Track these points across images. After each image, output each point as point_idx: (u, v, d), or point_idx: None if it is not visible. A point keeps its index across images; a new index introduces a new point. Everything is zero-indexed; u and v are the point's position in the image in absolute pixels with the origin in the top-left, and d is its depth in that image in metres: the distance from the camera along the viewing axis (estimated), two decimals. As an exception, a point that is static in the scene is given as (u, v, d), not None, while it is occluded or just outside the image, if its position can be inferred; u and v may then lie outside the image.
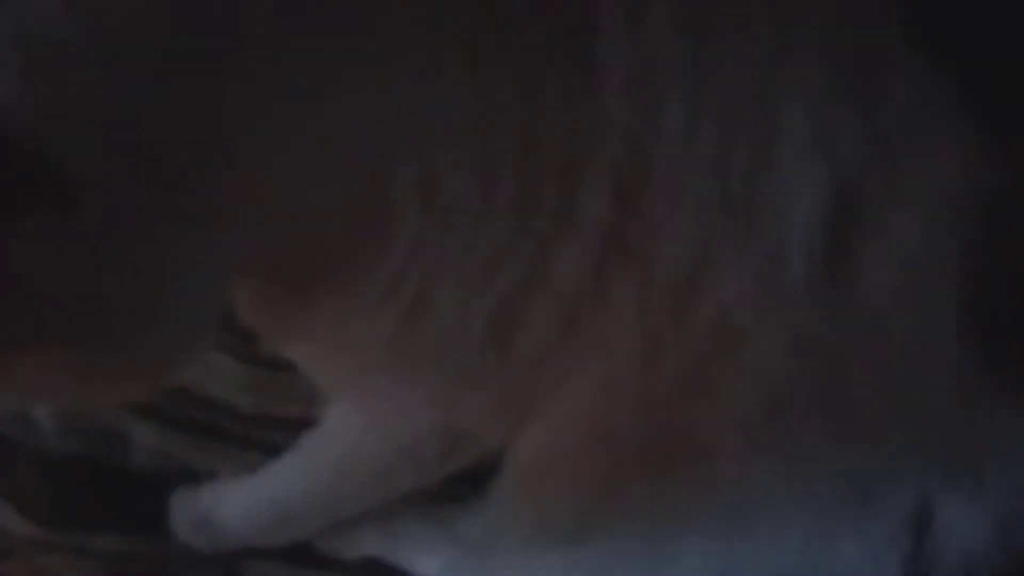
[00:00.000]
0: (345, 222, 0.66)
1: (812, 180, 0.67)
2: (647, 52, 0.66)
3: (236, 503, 0.89)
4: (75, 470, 0.92)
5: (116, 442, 0.94)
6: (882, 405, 0.68)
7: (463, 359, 0.71)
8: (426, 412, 0.78)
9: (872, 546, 0.69)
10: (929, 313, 0.68)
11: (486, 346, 0.70)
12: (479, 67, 0.65)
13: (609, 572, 0.75)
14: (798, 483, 0.69)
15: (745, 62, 0.68)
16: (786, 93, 0.68)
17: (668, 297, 0.68)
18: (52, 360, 0.58)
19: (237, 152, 0.60)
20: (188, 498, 0.90)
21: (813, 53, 0.68)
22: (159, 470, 0.94)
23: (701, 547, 0.71)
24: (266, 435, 0.94)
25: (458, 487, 0.86)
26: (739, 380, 0.68)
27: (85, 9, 0.55)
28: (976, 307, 0.68)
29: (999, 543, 0.69)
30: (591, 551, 0.73)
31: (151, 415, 0.95)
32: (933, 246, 0.68)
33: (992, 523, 0.69)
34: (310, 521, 0.89)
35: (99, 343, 0.59)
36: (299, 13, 0.61)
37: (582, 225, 0.67)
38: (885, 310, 0.68)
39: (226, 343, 0.93)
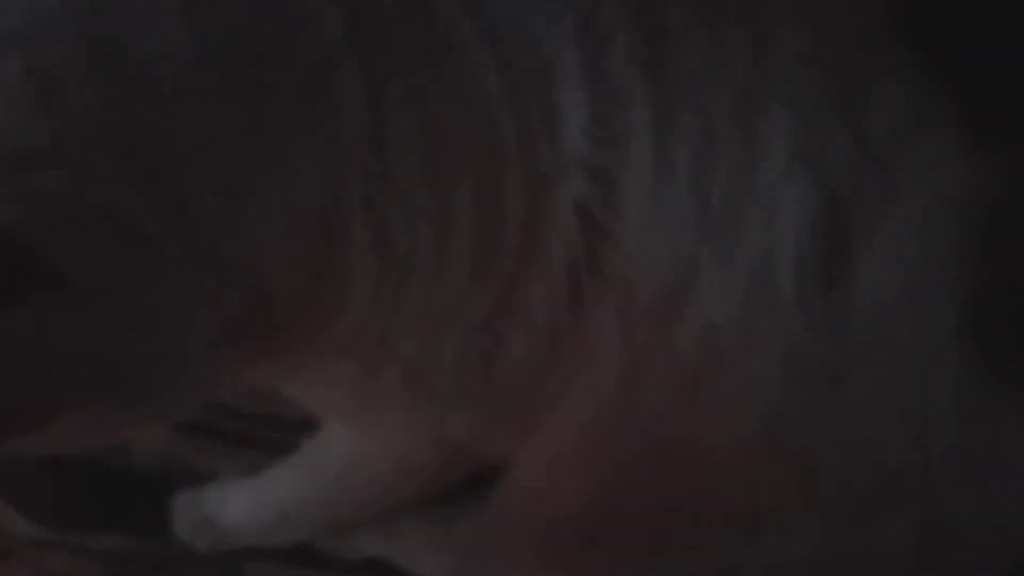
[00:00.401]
0: (305, 284, 0.67)
1: (798, 195, 0.67)
2: (607, 90, 0.67)
3: (238, 504, 0.89)
4: (75, 470, 0.92)
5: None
6: (883, 415, 0.68)
7: (436, 389, 0.72)
8: (414, 431, 0.79)
9: (877, 554, 0.69)
10: (928, 322, 0.68)
11: (462, 375, 0.71)
12: (431, 122, 0.66)
13: None
14: (802, 494, 0.69)
15: (720, 81, 0.68)
16: (766, 108, 0.68)
17: (651, 318, 0.69)
18: (84, 415, 0.61)
19: (203, 223, 0.62)
20: (191, 499, 0.90)
21: (794, 65, 0.68)
22: (160, 470, 0.94)
23: (706, 560, 0.71)
24: (267, 435, 0.94)
25: (460, 489, 0.86)
26: (734, 395, 0.69)
27: (52, 113, 0.58)
28: (975, 314, 0.68)
29: (1003, 548, 0.69)
30: (594, 563, 0.73)
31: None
32: (929, 255, 0.68)
33: (996, 529, 0.69)
34: (311, 524, 0.89)
35: (123, 396, 0.62)
36: (248, 85, 0.63)
37: (548, 260, 0.69)
38: (882, 321, 0.68)
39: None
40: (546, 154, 0.67)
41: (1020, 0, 0.74)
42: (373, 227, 0.66)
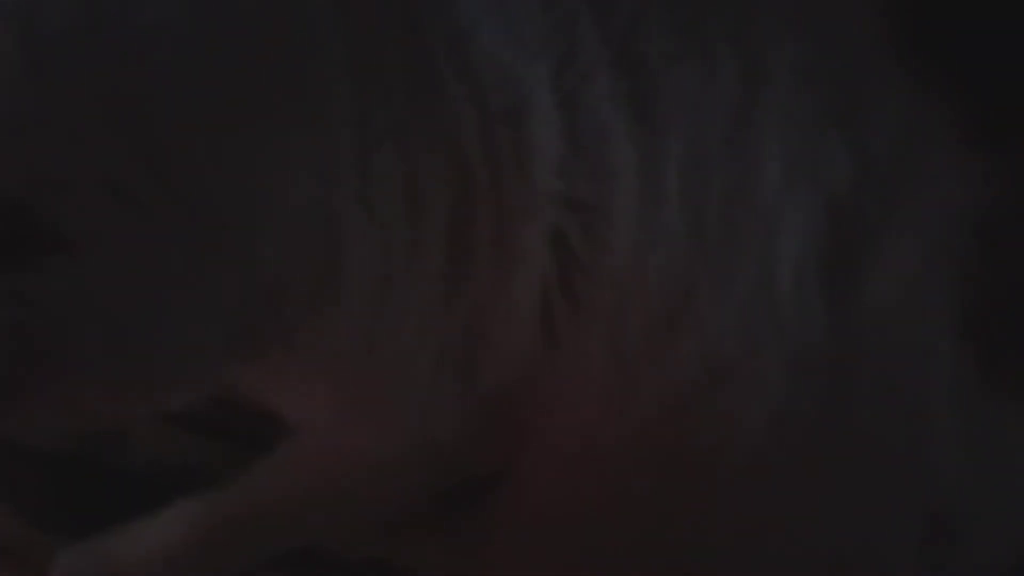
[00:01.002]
0: (313, 288, 0.68)
1: (797, 211, 0.68)
2: (588, 125, 0.69)
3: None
4: (74, 470, 0.92)
5: (115, 441, 0.94)
6: (885, 419, 0.68)
7: (411, 396, 0.73)
8: (399, 438, 0.79)
9: (881, 554, 0.69)
10: (928, 328, 0.69)
11: (438, 383, 0.73)
12: (409, 154, 0.67)
13: None
14: (804, 496, 0.70)
15: (711, 104, 0.69)
16: (761, 126, 0.68)
17: (645, 342, 0.70)
18: (103, 386, 0.62)
19: (201, 196, 0.63)
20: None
21: (790, 83, 0.69)
22: (158, 469, 0.94)
23: (707, 562, 0.71)
24: (266, 432, 0.94)
25: (460, 491, 0.85)
26: (736, 401, 0.69)
27: (46, 81, 0.59)
28: (975, 318, 0.68)
29: (1003, 547, 0.70)
30: (594, 566, 0.73)
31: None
32: (929, 262, 0.69)
33: (996, 528, 0.69)
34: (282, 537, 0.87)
35: (142, 367, 0.63)
36: (247, 71, 0.64)
37: (516, 290, 0.70)
38: (884, 328, 0.68)
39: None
40: (517, 190, 0.69)
41: (1020, 1, 0.75)
42: (360, 246, 0.67)
